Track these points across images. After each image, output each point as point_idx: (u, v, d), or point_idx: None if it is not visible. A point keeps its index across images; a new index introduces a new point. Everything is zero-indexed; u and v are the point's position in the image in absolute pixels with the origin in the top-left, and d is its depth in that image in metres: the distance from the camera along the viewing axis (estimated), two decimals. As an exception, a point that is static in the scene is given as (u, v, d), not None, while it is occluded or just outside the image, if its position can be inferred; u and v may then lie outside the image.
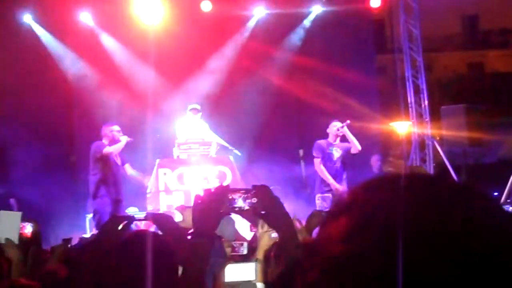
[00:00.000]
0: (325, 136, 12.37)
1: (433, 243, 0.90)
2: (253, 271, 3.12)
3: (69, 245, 5.13)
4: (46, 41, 14.51)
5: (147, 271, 2.59)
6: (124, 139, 11.62)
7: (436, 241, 0.90)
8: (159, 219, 3.56)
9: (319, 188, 11.73)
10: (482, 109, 14.59)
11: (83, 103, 14.26)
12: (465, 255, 0.89)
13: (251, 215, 2.98)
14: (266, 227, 3.85)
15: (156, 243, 2.75)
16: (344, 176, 11.85)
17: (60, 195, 13.22)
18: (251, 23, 15.27)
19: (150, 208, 11.89)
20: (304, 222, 5.42)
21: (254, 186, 2.73)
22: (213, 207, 2.66)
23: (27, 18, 14.42)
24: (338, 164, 11.87)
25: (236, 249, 4.39)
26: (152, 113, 13.62)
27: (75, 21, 14.49)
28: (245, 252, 4.29)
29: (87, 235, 11.40)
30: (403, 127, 16.00)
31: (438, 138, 15.03)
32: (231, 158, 12.41)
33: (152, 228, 4.04)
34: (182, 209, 4.09)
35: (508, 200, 11.47)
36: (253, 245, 4.55)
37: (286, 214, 2.74)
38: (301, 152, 14.56)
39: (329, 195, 11.41)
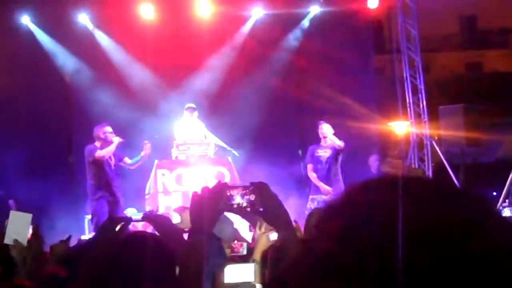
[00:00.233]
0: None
1: (429, 245, 0.90)
2: (252, 272, 3.11)
3: (68, 245, 5.13)
4: (44, 42, 14.50)
5: (144, 272, 2.59)
6: (116, 141, 11.59)
7: (432, 243, 0.90)
8: (156, 220, 3.56)
9: (312, 190, 11.98)
10: (480, 109, 14.59)
11: (81, 104, 14.25)
12: (462, 258, 0.89)
13: (250, 215, 2.98)
14: (264, 228, 3.84)
15: (153, 244, 2.75)
16: (338, 175, 11.92)
17: (58, 196, 13.21)
18: (249, 24, 15.26)
19: (148, 209, 11.89)
20: (302, 222, 5.43)
21: (252, 183, 2.73)
22: (211, 204, 2.65)
23: (25, 20, 14.42)
24: (328, 165, 11.95)
25: (236, 250, 4.38)
26: (150, 114, 13.63)
27: (73, 22, 14.49)
28: (244, 253, 4.29)
29: (86, 236, 11.40)
30: (401, 127, 16.01)
31: (436, 138, 15.03)
32: (230, 158, 12.41)
33: (149, 229, 4.04)
34: (180, 210, 4.09)
35: (506, 201, 11.48)
36: (252, 246, 4.55)
37: (285, 211, 2.74)
38: (300, 152, 14.56)
39: (319, 196, 11.59)
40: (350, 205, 1.00)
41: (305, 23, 15.45)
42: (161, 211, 11.55)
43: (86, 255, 3.53)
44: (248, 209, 2.69)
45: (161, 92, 14.26)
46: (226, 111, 14.01)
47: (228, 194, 2.67)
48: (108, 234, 3.33)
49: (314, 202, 11.62)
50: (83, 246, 4.09)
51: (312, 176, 11.99)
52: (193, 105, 12.58)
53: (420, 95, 15.21)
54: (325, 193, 11.62)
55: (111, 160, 11.66)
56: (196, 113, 12.51)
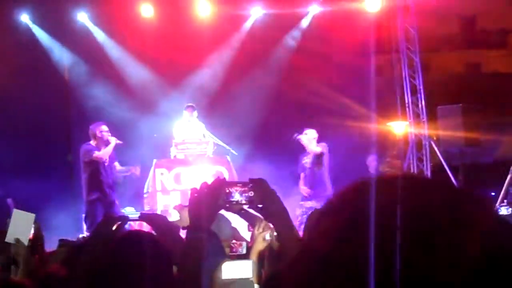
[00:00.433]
0: (324, 134, 12.47)
1: (427, 245, 0.90)
2: (250, 269, 3.11)
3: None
4: (43, 40, 14.50)
5: (141, 271, 2.58)
6: (113, 142, 11.56)
7: (430, 243, 0.90)
8: (153, 219, 3.56)
9: (302, 197, 12.19)
10: (479, 109, 14.59)
11: (80, 102, 14.24)
12: (460, 258, 0.89)
13: (249, 215, 2.98)
14: (262, 228, 3.84)
15: (150, 242, 2.74)
16: (321, 178, 11.97)
17: (57, 195, 13.20)
18: (249, 23, 15.26)
19: (147, 208, 11.90)
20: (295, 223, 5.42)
21: (251, 180, 2.72)
22: (209, 201, 2.64)
23: (25, 18, 14.41)
24: (310, 170, 12.13)
25: (234, 249, 4.38)
26: (149, 113, 13.63)
27: (73, 21, 14.48)
28: (244, 252, 4.29)
29: (84, 235, 11.40)
30: (400, 127, 16.01)
31: (435, 138, 15.02)
32: (228, 157, 12.42)
33: (146, 228, 4.04)
34: (180, 208, 4.09)
35: (505, 201, 11.49)
36: (251, 245, 4.54)
37: (284, 208, 2.73)
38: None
39: (305, 203, 11.81)
40: (348, 205, 1.00)
41: (304, 22, 15.46)
42: (159, 210, 11.55)
43: (83, 254, 3.53)
44: (247, 206, 2.69)
45: (160, 91, 14.26)
46: (225, 110, 14.01)
47: (227, 191, 2.66)
48: (105, 233, 3.33)
49: (302, 208, 11.76)
50: (80, 245, 4.09)
51: (300, 183, 12.30)
52: (192, 105, 12.58)
53: (419, 95, 15.21)
54: (305, 194, 11.92)
55: (106, 160, 11.63)
56: (195, 113, 12.50)
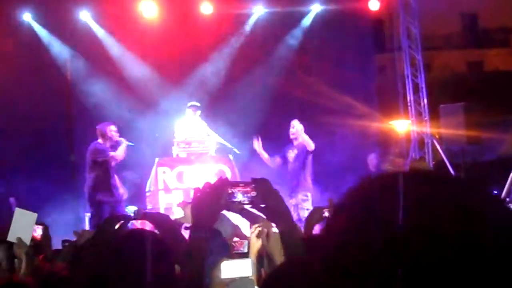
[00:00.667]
0: (327, 133, 12.48)
1: (434, 241, 0.90)
2: (250, 267, 3.11)
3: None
4: (46, 39, 14.50)
5: (143, 269, 2.59)
6: (124, 143, 11.56)
7: (437, 239, 0.91)
8: (155, 218, 3.56)
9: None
10: (481, 107, 14.59)
11: (83, 101, 14.24)
12: (469, 252, 0.89)
13: (250, 214, 2.98)
14: (254, 228, 3.82)
15: (151, 241, 2.75)
16: (305, 173, 11.91)
17: (59, 194, 13.21)
18: (251, 22, 15.25)
19: (149, 207, 11.90)
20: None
21: (254, 179, 2.72)
22: (212, 200, 2.64)
23: (27, 17, 14.41)
24: (294, 164, 12.00)
25: (236, 248, 4.38)
26: (151, 111, 13.64)
27: (75, 19, 14.48)
28: (245, 250, 4.29)
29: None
30: (402, 126, 16.01)
31: (437, 136, 15.03)
32: (231, 156, 12.42)
33: (148, 227, 4.04)
34: (183, 205, 4.08)
35: (508, 199, 11.48)
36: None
37: (286, 207, 2.73)
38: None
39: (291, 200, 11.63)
40: (357, 202, 1.00)
41: (306, 21, 15.45)
42: (162, 208, 11.56)
43: (86, 253, 3.53)
44: (250, 206, 2.69)
45: (162, 89, 14.25)
46: (227, 109, 14.00)
47: (230, 191, 2.66)
48: (108, 232, 3.33)
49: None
50: (83, 244, 4.09)
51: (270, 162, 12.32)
52: (197, 104, 12.56)
53: (421, 94, 15.21)
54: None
55: (119, 161, 11.66)
56: (199, 112, 12.50)
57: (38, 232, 4.69)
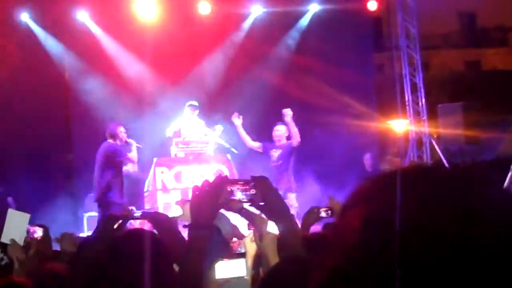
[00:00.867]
0: (326, 133, 12.48)
1: (433, 241, 0.90)
2: (244, 267, 3.11)
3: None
4: (44, 39, 14.49)
5: (142, 269, 2.58)
6: (134, 144, 11.60)
7: (436, 239, 0.90)
8: (155, 217, 3.55)
9: None
10: (480, 107, 14.60)
11: (80, 100, 14.23)
12: (467, 253, 0.89)
13: (249, 214, 2.97)
14: (249, 237, 3.80)
15: (151, 241, 2.74)
16: (288, 174, 11.88)
17: (57, 194, 13.20)
18: (249, 21, 15.25)
19: (147, 207, 11.90)
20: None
21: (253, 177, 2.72)
22: (211, 199, 2.63)
23: (25, 17, 14.40)
24: (277, 164, 11.99)
25: (233, 248, 4.38)
26: (149, 111, 13.63)
27: (73, 19, 14.47)
28: (243, 250, 4.28)
29: (84, 234, 11.41)
30: (400, 125, 16.02)
31: (435, 136, 15.04)
32: (229, 156, 12.42)
33: (147, 227, 4.03)
34: (182, 203, 4.07)
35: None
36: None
37: (285, 205, 2.73)
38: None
39: None
40: (369, 198, 0.99)
41: (304, 21, 15.45)
42: (161, 208, 11.55)
43: (85, 252, 3.52)
44: (249, 204, 2.69)
45: (161, 89, 14.24)
46: (225, 109, 14.00)
47: (229, 189, 2.65)
48: (107, 232, 3.33)
49: None
50: (82, 243, 4.09)
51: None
52: (195, 103, 12.57)
53: (419, 93, 15.21)
54: None
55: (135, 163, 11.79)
56: (197, 111, 12.52)
57: (39, 233, 4.68)
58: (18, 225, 4.23)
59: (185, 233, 2.94)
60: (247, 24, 15.25)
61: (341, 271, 0.94)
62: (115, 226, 3.33)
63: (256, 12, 15.19)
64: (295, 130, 11.98)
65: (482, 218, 0.92)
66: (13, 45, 13.73)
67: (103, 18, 14.52)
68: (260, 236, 3.03)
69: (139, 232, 3.00)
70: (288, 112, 12.07)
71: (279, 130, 12.12)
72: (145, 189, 12.27)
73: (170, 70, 14.27)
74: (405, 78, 15.29)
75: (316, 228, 5.16)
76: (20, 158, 13.67)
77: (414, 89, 15.25)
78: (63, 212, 12.84)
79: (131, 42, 14.34)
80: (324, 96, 14.40)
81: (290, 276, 2.46)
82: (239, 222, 5.49)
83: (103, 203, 11.22)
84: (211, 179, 2.68)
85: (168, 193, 12.04)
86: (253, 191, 2.65)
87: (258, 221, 2.97)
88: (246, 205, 2.73)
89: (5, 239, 4.18)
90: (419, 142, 15.24)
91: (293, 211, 8.86)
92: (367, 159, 13.66)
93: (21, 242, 4.19)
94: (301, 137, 13.29)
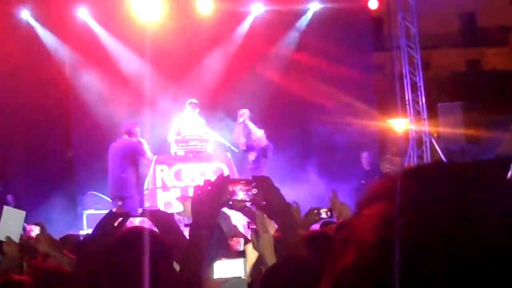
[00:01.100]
0: (322, 131, 12.49)
1: (472, 235, 0.89)
2: (242, 267, 3.10)
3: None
4: (44, 37, 14.47)
5: (141, 266, 2.58)
6: (146, 145, 11.94)
7: (473, 233, 0.89)
8: (156, 216, 3.55)
9: None
10: (480, 106, 14.59)
11: (80, 98, 14.22)
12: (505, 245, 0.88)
13: (251, 213, 2.97)
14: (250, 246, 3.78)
15: (150, 239, 2.74)
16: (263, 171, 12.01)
17: (56, 191, 13.19)
18: (249, 20, 15.23)
19: (147, 205, 11.90)
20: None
21: (255, 178, 2.71)
22: (212, 198, 2.63)
23: (25, 14, 14.39)
24: (253, 166, 12.37)
25: (233, 246, 4.37)
26: (150, 109, 13.61)
27: (73, 17, 14.46)
28: (241, 249, 4.27)
29: (84, 231, 11.40)
30: (400, 125, 16.01)
31: (435, 135, 15.03)
32: (229, 154, 12.42)
33: (147, 225, 4.02)
34: (183, 199, 4.06)
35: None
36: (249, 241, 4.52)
37: (287, 205, 2.73)
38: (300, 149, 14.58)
39: None
40: (389, 194, 0.98)
41: (305, 19, 15.44)
42: (160, 206, 11.56)
43: (85, 249, 3.52)
44: (250, 203, 2.69)
45: (161, 87, 14.22)
46: (225, 107, 14.00)
47: (231, 189, 2.65)
48: (107, 229, 3.32)
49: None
50: (83, 240, 4.09)
51: None
52: (195, 101, 12.59)
53: (419, 92, 15.20)
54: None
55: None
56: (197, 109, 12.54)
57: (36, 231, 4.68)
58: (13, 223, 4.24)
59: (186, 232, 2.93)
60: (247, 23, 15.23)
61: (358, 270, 0.93)
62: (116, 224, 3.32)
63: (256, 10, 15.17)
64: (255, 130, 12.12)
65: (483, 221, 0.91)
66: (13, 43, 13.71)
67: (103, 15, 14.51)
68: (256, 236, 3.03)
69: (138, 230, 3.00)
70: (244, 112, 12.21)
71: (256, 134, 12.31)
72: (145, 187, 12.27)
73: (170, 68, 14.26)
74: (405, 77, 15.28)
75: (315, 227, 5.17)
76: (20, 156, 13.67)
77: (414, 88, 15.24)
78: (62, 210, 12.83)
79: (131, 39, 14.32)
80: (324, 95, 14.39)
81: (288, 275, 2.46)
82: (238, 220, 5.49)
83: (121, 197, 11.50)
84: (212, 178, 2.68)
85: (168, 191, 12.03)
86: (254, 191, 2.65)
87: (258, 220, 2.97)
88: (248, 205, 2.73)
89: (1, 236, 4.19)
90: (419, 141, 15.23)
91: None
92: (365, 157, 13.67)
93: (16, 239, 4.19)
94: (301, 135, 13.38)
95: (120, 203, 11.44)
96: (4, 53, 13.25)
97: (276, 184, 2.78)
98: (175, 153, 12.31)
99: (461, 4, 26.34)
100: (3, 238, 4.17)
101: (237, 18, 15.18)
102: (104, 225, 3.38)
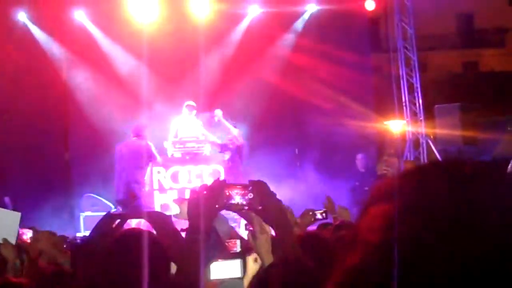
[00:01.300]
0: (319, 133, 12.49)
1: (472, 235, 0.88)
2: (239, 268, 3.10)
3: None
4: (41, 39, 14.46)
5: (139, 268, 2.58)
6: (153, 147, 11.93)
7: (474, 233, 0.88)
8: (155, 218, 3.55)
9: None
10: (477, 108, 14.61)
11: (77, 100, 14.21)
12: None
13: (247, 214, 2.97)
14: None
15: (148, 241, 2.73)
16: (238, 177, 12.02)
17: (54, 194, 13.17)
18: (246, 22, 15.23)
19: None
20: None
21: (251, 182, 2.71)
22: (209, 202, 2.63)
23: (22, 16, 14.38)
24: (227, 166, 12.31)
25: (229, 248, 4.37)
26: (147, 111, 13.60)
27: (70, 19, 14.45)
28: (238, 250, 4.27)
29: (81, 234, 11.39)
30: (397, 126, 16.01)
31: (432, 137, 15.04)
32: (226, 156, 12.42)
33: (144, 226, 4.02)
34: (180, 201, 4.06)
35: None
36: (246, 243, 4.52)
37: (283, 210, 2.73)
38: (296, 151, 14.56)
39: None
40: (396, 194, 0.96)
41: (302, 21, 15.44)
42: (156, 208, 11.54)
43: (83, 251, 3.52)
44: (247, 207, 2.68)
45: (158, 89, 14.21)
46: (222, 109, 13.99)
47: (227, 193, 2.65)
48: (105, 231, 3.32)
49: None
50: (81, 242, 4.09)
51: None
52: (193, 103, 12.59)
53: (416, 94, 15.21)
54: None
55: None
56: (194, 111, 12.53)
57: (28, 235, 4.68)
58: (9, 225, 4.23)
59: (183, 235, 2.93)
60: (244, 25, 15.22)
61: (364, 271, 0.92)
62: (114, 226, 3.32)
63: (253, 12, 15.17)
64: (231, 129, 12.16)
65: (483, 226, 0.90)
66: (10, 45, 13.71)
67: (100, 17, 14.50)
68: (254, 236, 3.02)
69: (136, 232, 3.00)
70: (217, 113, 12.28)
71: (232, 133, 12.36)
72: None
73: (167, 70, 14.26)
74: (402, 79, 15.29)
75: (312, 228, 5.18)
76: (17, 159, 13.64)
77: (411, 89, 15.26)
78: (59, 212, 12.82)
79: (128, 41, 14.31)
80: (321, 97, 14.40)
81: (284, 276, 2.46)
82: (236, 221, 5.49)
83: (131, 195, 11.44)
84: (209, 181, 2.69)
85: (165, 193, 12.03)
86: (250, 195, 2.65)
87: (255, 221, 2.97)
88: (245, 209, 2.73)
89: None
90: (416, 142, 15.24)
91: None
92: (359, 159, 13.67)
93: (13, 241, 4.18)
94: (298, 136, 13.40)
95: (120, 206, 11.43)
96: (1, 55, 13.24)
97: (273, 185, 2.78)
98: (172, 155, 12.31)
99: (458, 5, 26.38)
100: (0, 241, 4.16)
101: (234, 20, 15.17)
102: (102, 227, 3.38)
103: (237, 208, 2.73)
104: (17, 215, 4.32)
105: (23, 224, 4.73)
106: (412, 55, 15.28)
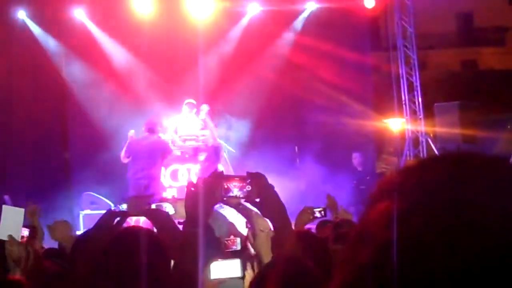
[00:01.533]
0: (319, 131, 12.46)
1: (472, 233, 0.87)
2: (239, 268, 3.10)
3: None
4: (40, 37, 14.45)
5: (138, 266, 2.58)
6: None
7: (474, 230, 0.88)
8: (156, 215, 3.55)
9: None
10: (476, 106, 14.60)
11: (77, 99, 14.21)
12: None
13: (247, 211, 2.97)
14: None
15: (147, 238, 2.74)
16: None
17: (53, 192, 13.17)
18: (245, 20, 15.23)
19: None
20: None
21: (249, 174, 2.71)
22: (207, 195, 2.62)
23: (21, 15, 14.37)
24: (204, 166, 12.17)
25: (229, 246, 4.36)
26: (147, 109, 13.61)
27: (69, 17, 14.44)
28: (238, 248, 4.27)
29: (80, 232, 11.37)
30: (397, 124, 16.01)
31: (431, 135, 15.03)
32: (225, 154, 12.41)
33: (145, 224, 4.02)
34: (173, 201, 4.07)
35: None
36: (246, 241, 4.52)
37: (281, 203, 2.72)
38: (296, 149, 14.56)
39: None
40: (401, 189, 0.96)
41: (301, 20, 15.43)
42: (155, 206, 11.53)
43: (83, 248, 3.52)
44: (244, 200, 2.68)
45: (157, 87, 14.22)
46: (222, 107, 14.00)
47: (225, 186, 2.65)
48: (105, 228, 3.32)
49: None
50: (80, 239, 4.09)
51: None
52: (193, 101, 12.58)
53: (415, 92, 15.21)
54: None
55: None
56: (195, 110, 12.52)
57: (25, 234, 4.68)
58: (13, 221, 4.22)
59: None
60: (244, 23, 15.22)
61: (369, 269, 0.92)
62: (114, 223, 3.32)
63: (253, 10, 15.16)
64: (211, 126, 12.08)
65: (481, 225, 0.90)
66: (9, 43, 13.70)
67: (100, 15, 14.50)
68: (253, 234, 3.02)
69: (136, 229, 3.00)
70: (203, 108, 12.22)
71: (205, 135, 12.35)
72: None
73: (167, 68, 14.26)
74: (402, 77, 15.29)
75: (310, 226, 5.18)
76: (16, 157, 13.64)
77: (410, 88, 15.25)
78: (59, 211, 12.80)
79: (128, 40, 14.32)
80: (320, 95, 14.40)
81: (283, 274, 2.46)
82: (235, 219, 5.49)
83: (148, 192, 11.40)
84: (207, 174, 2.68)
85: (165, 191, 12.03)
86: (248, 188, 2.65)
87: (254, 218, 2.97)
88: (242, 201, 2.72)
89: (3, 235, 4.17)
90: (415, 141, 15.23)
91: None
92: (356, 158, 13.68)
93: (18, 237, 4.18)
94: (297, 135, 13.34)
95: (130, 203, 11.39)
96: (0, 53, 13.24)
97: (273, 183, 2.77)
98: (172, 153, 12.32)
99: (458, 4, 26.37)
100: (5, 238, 4.15)
101: (234, 18, 15.17)
102: (103, 224, 3.38)
103: (234, 201, 2.72)
104: (21, 211, 4.31)
105: (26, 220, 4.73)
106: (411, 53, 15.28)
